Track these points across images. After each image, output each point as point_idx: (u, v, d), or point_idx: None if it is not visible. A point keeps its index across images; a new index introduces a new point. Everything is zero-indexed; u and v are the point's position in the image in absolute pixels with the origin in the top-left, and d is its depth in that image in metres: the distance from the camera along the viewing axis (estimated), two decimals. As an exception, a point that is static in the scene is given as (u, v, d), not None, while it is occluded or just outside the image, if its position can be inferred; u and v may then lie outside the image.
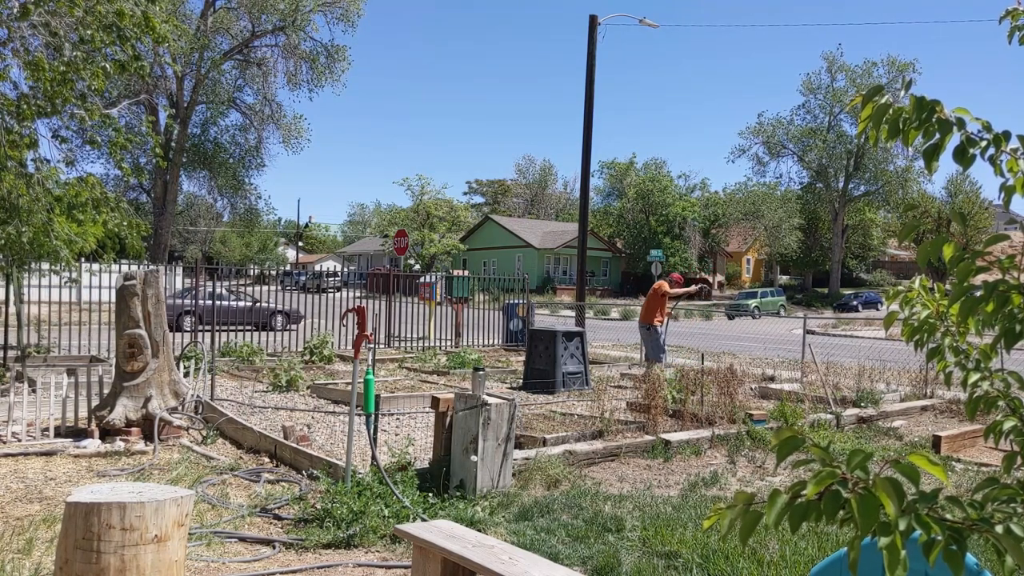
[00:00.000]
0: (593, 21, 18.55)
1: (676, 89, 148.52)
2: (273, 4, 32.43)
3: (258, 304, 16.90)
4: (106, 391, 7.93)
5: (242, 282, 22.03)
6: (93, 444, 7.15)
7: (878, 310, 45.97)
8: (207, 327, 15.29)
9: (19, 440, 7.21)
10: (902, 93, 1.77)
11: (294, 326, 16.47)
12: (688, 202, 56.11)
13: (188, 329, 16.09)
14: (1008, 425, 1.80)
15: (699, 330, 26.80)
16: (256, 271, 23.53)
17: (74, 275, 9.39)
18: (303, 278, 42.14)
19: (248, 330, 15.15)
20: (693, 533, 4.96)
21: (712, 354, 14.38)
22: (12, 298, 12.64)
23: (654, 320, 11.83)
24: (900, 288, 2.08)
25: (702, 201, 58.00)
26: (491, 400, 5.89)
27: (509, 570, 3.17)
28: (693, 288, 13.47)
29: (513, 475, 6.11)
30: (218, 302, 16.80)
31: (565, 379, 11.36)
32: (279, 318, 17.54)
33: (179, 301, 17.44)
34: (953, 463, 7.45)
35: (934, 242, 1.63)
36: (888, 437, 8.76)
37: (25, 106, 7.67)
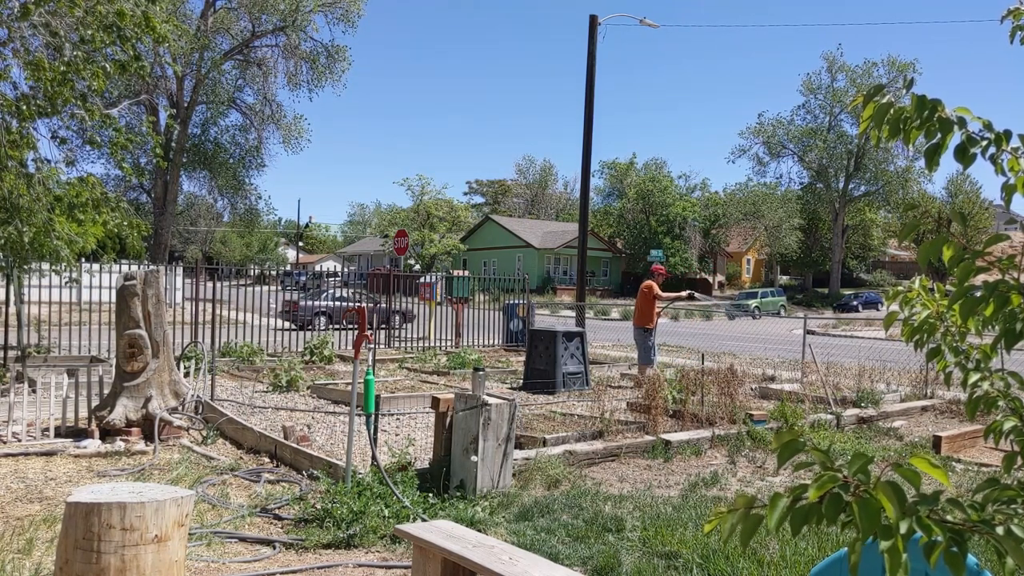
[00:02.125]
0: (593, 21, 18.55)
1: (676, 89, 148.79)
2: (273, 4, 32.43)
3: (379, 304, 18.17)
4: (106, 391, 7.93)
5: (242, 282, 22.18)
6: (93, 444, 7.15)
7: (878, 310, 45.96)
8: (337, 326, 16.25)
9: (19, 440, 7.21)
10: (903, 93, 1.77)
11: (408, 324, 17.82)
12: (688, 202, 56.13)
13: (322, 328, 17.65)
14: (1008, 425, 1.80)
15: (699, 330, 26.80)
16: (256, 271, 23.55)
17: (74, 275, 9.38)
18: (303, 278, 42.13)
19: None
20: (693, 533, 4.96)
21: (712, 354, 14.38)
22: (12, 298, 12.64)
23: (649, 323, 11.73)
24: (900, 288, 2.08)
25: (702, 201, 58.03)
26: (491, 400, 5.89)
27: (509, 570, 3.16)
28: (684, 294, 13.45)
29: (513, 475, 6.11)
30: (343, 303, 17.69)
31: (565, 379, 11.36)
32: (397, 317, 18.87)
33: (312, 303, 19.24)
34: (953, 463, 7.45)
35: (934, 242, 1.63)
36: (888, 437, 8.76)
37: (25, 106, 7.66)
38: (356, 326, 17.26)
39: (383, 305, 18.27)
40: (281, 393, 10.75)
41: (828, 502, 1.29)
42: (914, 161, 50.47)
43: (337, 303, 19.31)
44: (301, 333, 15.23)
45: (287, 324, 18.96)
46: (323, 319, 19.36)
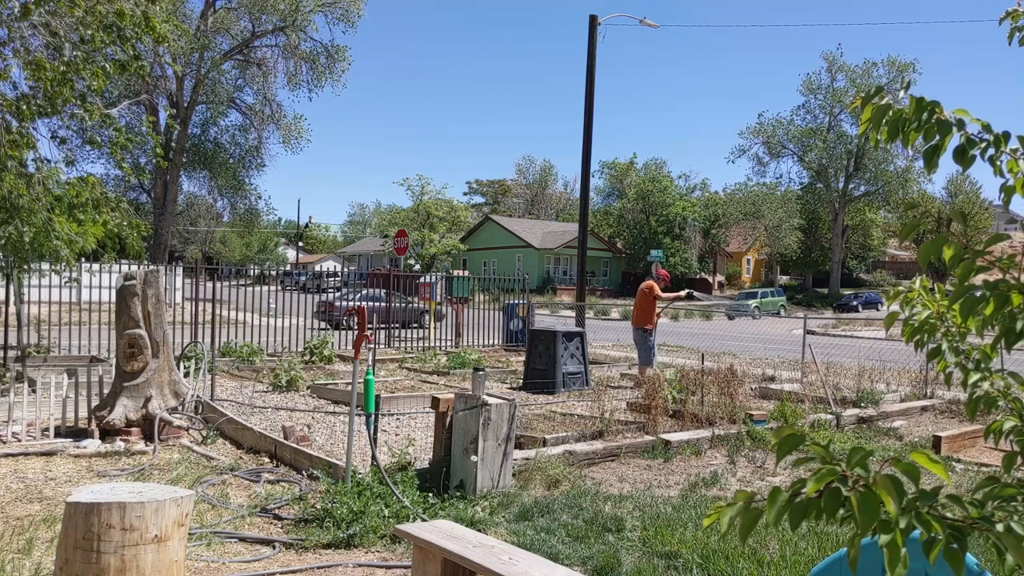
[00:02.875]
0: (593, 21, 18.55)
1: (676, 89, 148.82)
2: (273, 4, 32.42)
3: (411, 304, 18.83)
4: (106, 391, 7.93)
5: (242, 282, 22.26)
6: (93, 444, 7.15)
7: (878, 310, 45.97)
8: (382, 326, 17.60)
9: (19, 440, 7.21)
10: (901, 94, 1.77)
11: (438, 323, 18.42)
12: (688, 202, 56.13)
13: (355, 328, 17.55)
14: (1008, 425, 1.80)
15: (699, 330, 26.81)
16: (256, 271, 23.58)
17: (74, 275, 9.38)
18: (303, 278, 42.12)
19: (397, 327, 17.85)
20: (693, 533, 4.96)
21: (712, 354, 14.38)
22: (12, 298, 12.64)
23: (648, 323, 11.72)
24: (901, 288, 2.08)
25: (702, 201, 58.04)
26: (491, 400, 5.89)
27: (509, 570, 3.17)
28: (683, 293, 13.41)
29: (513, 475, 6.11)
30: (377, 303, 18.39)
31: (565, 379, 11.36)
32: (427, 316, 19.64)
33: (345, 303, 20.31)
34: (953, 463, 7.45)
35: (934, 242, 1.63)
36: (888, 437, 8.76)
37: (25, 106, 7.66)
38: (418, 324, 17.75)
39: (415, 305, 18.61)
40: (281, 393, 10.75)
41: (827, 496, 1.29)
42: (914, 161, 50.50)
43: (372, 303, 19.71)
44: (301, 333, 15.22)
45: (322, 324, 19.64)
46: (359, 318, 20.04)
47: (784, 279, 64.33)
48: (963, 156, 1.69)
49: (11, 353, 12.11)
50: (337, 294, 21.98)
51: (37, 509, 5.41)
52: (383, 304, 18.72)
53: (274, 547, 4.81)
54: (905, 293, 2.05)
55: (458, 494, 5.64)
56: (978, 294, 1.60)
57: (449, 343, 17.51)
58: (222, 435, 7.72)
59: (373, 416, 6.11)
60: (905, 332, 2.01)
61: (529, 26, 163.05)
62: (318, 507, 5.27)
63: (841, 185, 54.55)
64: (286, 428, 7.40)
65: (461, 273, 19.72)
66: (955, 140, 1.69)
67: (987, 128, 1.70)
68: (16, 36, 7.70)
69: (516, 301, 18.25)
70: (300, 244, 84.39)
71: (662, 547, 4.76)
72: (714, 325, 31.45)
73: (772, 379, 12.59)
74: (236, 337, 14.52)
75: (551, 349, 11.43)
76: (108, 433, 7.40)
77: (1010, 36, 2.00)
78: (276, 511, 5.42)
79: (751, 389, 10.96)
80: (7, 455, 6.75)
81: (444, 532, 3.64)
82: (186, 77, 33.59)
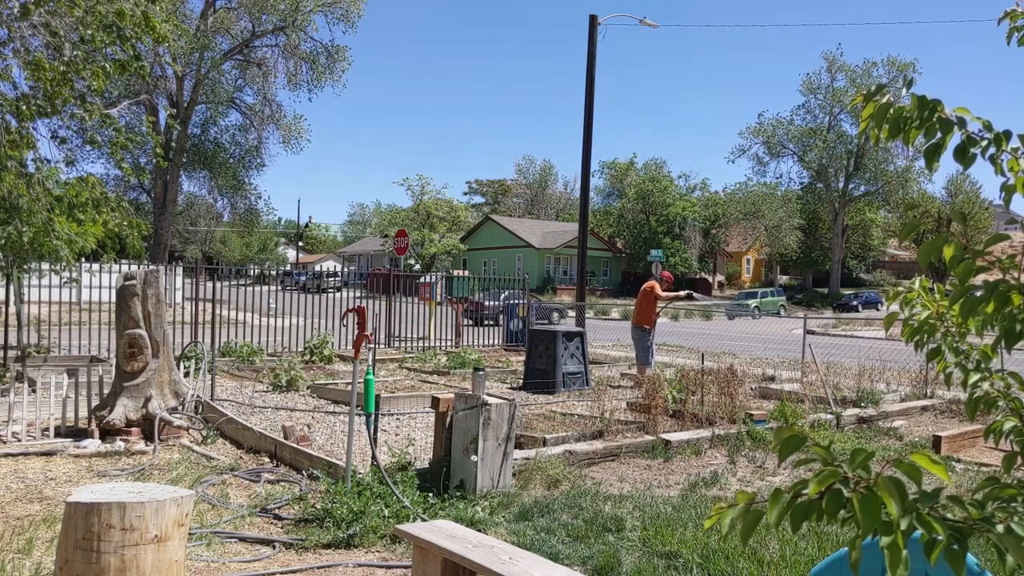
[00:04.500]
0: (593, 21, 18.54)
1: (676, 89, 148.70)
2: (273, 4, 32.43)
3: (537, 302, 19.54)
4: (106, 391, 7.93)
5: (242, 282, 22.32)
6: (93, 444, 7.15)
7: (878, 310, 45.96)
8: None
9: (19, 440, 7.21)
10: (903, 92, 1.77)
11: (563, 320, 19.32)
12: (688, 202, 56.12)
13: (487, 324, 19.56)
14: (1008, 425, 1.80)
15: (699, 330, 26.80)
16: (256, 271, 23.58)
17: (74, 275, 9.38)
18: (303, 278, 42.12)
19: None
20: (693, 533, 4.96)
21: (712, 354, 14.37)
22: (12, 298, 12.63)
23: (647, 322, 11.73)
24: (900, 288, 2.08)
25: (702, 201, 58.02)
26: (491, 400, 5.89)
27: (510, 570, 3.17)
28: (683, 293, 13.40)
29: (513, 475, 6.11)
30: (515, 302, 19.79)
31: (565, 379, 11.36)
32: (555, 314, 20.58)
33: (493, 303, 21.32)
34: (953, 463, 7.45)
35: (934, 242, 1.63)
36: (888, 437, 8.76)
37: (25, 106, 7.66)
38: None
39: (538, 302, 18.79)
40: (281, 393, 10.74)
41: (829, 498, 1.29)
42: (914, 161, 50.51)
43: (509, 303, 20.26)
44: (301, 332, 15.22)
45: (467, 321, 20.37)
46: (502, 317, 20.77)
47: (784, 279, 64.31)
48: (964, 154, 1.69)
49: (11, 353, 12.10)
50: (483, 294, 23.03)
51: (37, 509, 5.41)
52: (524, 303, 19.29)
53: (274, 547, 4.81)
54: (905, 293, 2.05)
55: (458, 494, 5.64)
56: (978, 294, 1.60)
57: (449, 343, 17.51)
58: (222, 435, 7.72)
59: (373, 416, 6.11)
60: (905, 332, 2.01)
61: (529, 26, 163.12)
62: (318, 507, 5.27)
63: (841, 185, 54.55)
64: (286, 428, 7.40)
65: (461, 273, 19.75)
66: (956, 138, 1.69)
67: (988, 127, 1.69)
68: (16, 36, 7.70)
69: (516, 301, 18.25)
70: (300, 244, 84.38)
71: (662, 547, 4.76)
72: (714, 325, 31.45)
73: (772, 379, 12.58)
74: (236, 337, 14.51)
75: (551, 349, 11.43)
76: (108, 433, 7.40)
77: (1009, 36, 2.00)
78: (276, 511, 5.42)
79: (751, 389, 10.95)
80: (7, 455, 6.75)
81: (444, 532, 3.64)
82: (186, 77, 33.60)
